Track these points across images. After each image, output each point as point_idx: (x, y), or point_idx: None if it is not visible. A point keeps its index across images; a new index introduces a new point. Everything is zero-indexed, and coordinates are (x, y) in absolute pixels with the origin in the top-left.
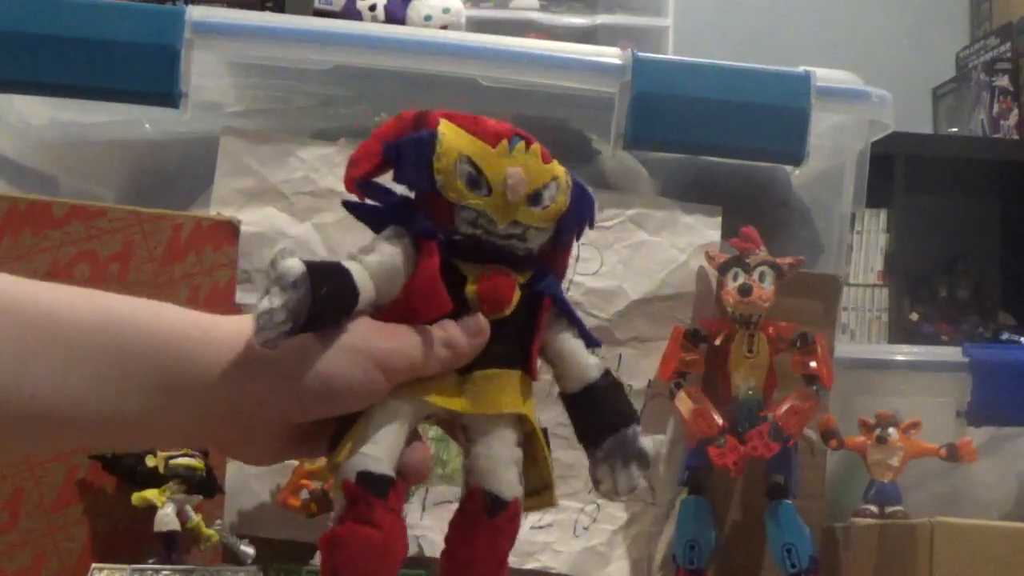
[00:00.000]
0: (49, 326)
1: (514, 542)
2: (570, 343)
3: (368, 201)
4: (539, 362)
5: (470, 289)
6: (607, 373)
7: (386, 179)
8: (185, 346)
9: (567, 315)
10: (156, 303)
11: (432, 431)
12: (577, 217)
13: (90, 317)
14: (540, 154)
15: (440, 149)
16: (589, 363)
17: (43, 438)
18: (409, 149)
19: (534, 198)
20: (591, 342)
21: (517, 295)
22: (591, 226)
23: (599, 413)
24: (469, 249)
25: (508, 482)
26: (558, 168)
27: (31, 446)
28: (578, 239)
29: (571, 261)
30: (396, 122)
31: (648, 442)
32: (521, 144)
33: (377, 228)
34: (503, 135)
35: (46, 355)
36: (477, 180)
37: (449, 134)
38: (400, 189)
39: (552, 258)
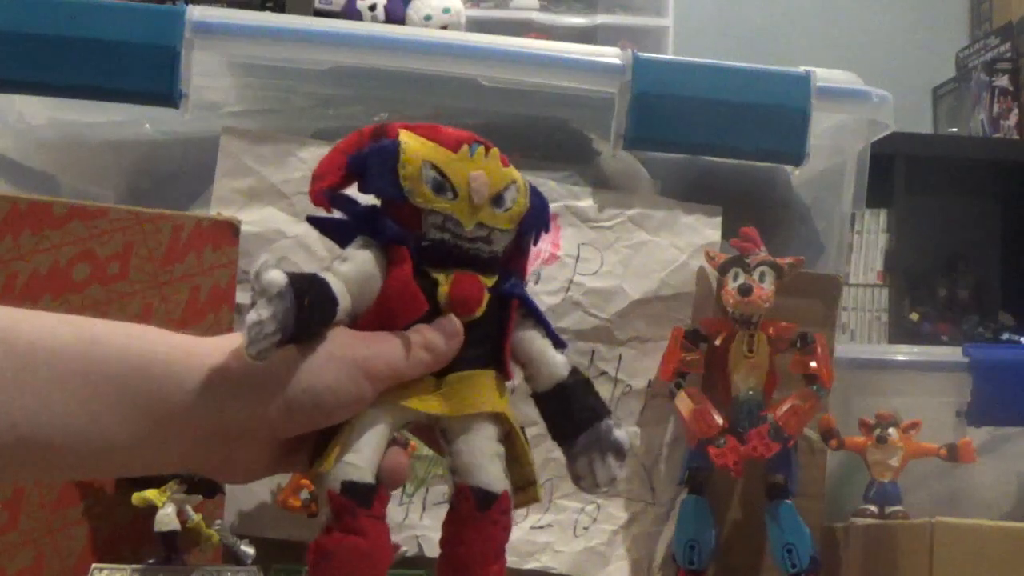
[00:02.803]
0: (30, 354)
1: (508, 536)
2: (538, 343)
3: (335, 213)
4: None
5: (442, 291)
6: (575, 371)
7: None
8: (168, 368)
9: (534, 316)
10: (139, 326)
11: None
12: (536, 220)
13: (72, 344)
14: (499, 158)
15: (404, 157)
16: (557, 362)
17: (27, 467)
18: (374, 159)
19: (497, 200)
20: (558, 343)
21: (486, 297)
22: (547, 229)
23: (571, 410)
24: (437, 254)
25: (494, 475)
26: (515, 173)
27: (15, 475)
28: (536, 243)
29: (571, 261)
30: (356, 136)
31: (622, 434)
32: (481, 149)
33: (343, 242)
34: (463, 141)
35: (27, 383)
36: (442, 184)
37: (411, 142)
38: (365, 202)
39: (514, 262)
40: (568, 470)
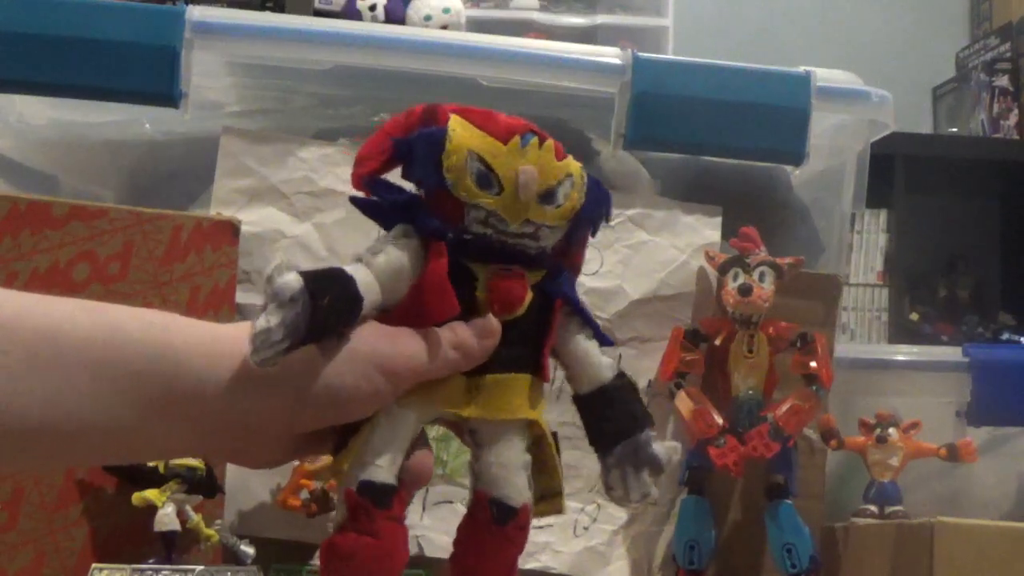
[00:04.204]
0: (46, 340)
1: (522, 551)
2: (583, 344)
3: (375, 199)
4: (551, 363)
5: (481, 290)
6: (621, 374)
7: (395, 177)
8: (185, 359)
9: (580, 315)
10: (158, 313)
11: (433, 431)
12: (593, 214)
13: (88, 330)
14: (554, 150)
15: (450, 146)
16: (603, 364)
17: (40, 454)
18: (419, 145)
19: (547, 196)
20: (604, 342)
21: (529, 296)
22: (607, 221)
23: (611, 417)
24: (479, 248)
25: (517, 488)
26: (573, 165)
27: (29, 462)
28: (593, 235)
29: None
30: (404, 117)
31: (660, 448)
32: (534, 140)
33: (386, 225)
34: (515, 131)
35: (41, 369)
36: (488, 178)
37: (459, 130)
38: (409, 187)
39: (567, 255)
40: (601, 479)
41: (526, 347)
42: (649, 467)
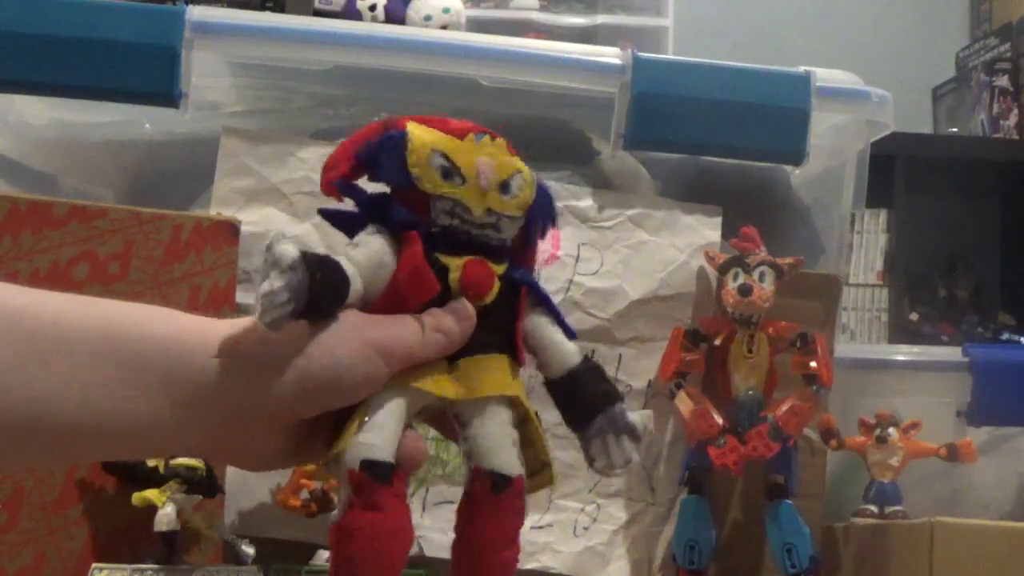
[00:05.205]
0: (48, 334)
1: (522, 521)
2: (549, 330)
3: (346, 203)
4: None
5: (452, 277)
6: (587, 359)
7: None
8: (185, 347)
9: (544, 304)
10: (153, 308)
11: (432, 432)
12: (542, 211)
13: (90, 324)
14: (505, 147)
15: (412, 145)
16: (569, 349)
17: (46, 448)
18: (382, 147)
19: (504, 187)
20: (568, 331)
21: (497, 284)
22: (554, 223)
23: (584, 396)
24: (447, 241)
25: (509, 459)
26: (521, 162)
27: (35, 457)
28: (543, 237)
29: (571, 261)
30: (365, 131)
31: (636, 417)
32: (487, 137)
33: (354, 234)
34: (469, 130)
35: (46, 364)
36: (450, 170)
37: (418, 131)
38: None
39: (522, 254)
40: (583, 454)
41: (499, 332)
42: (628, 434)
